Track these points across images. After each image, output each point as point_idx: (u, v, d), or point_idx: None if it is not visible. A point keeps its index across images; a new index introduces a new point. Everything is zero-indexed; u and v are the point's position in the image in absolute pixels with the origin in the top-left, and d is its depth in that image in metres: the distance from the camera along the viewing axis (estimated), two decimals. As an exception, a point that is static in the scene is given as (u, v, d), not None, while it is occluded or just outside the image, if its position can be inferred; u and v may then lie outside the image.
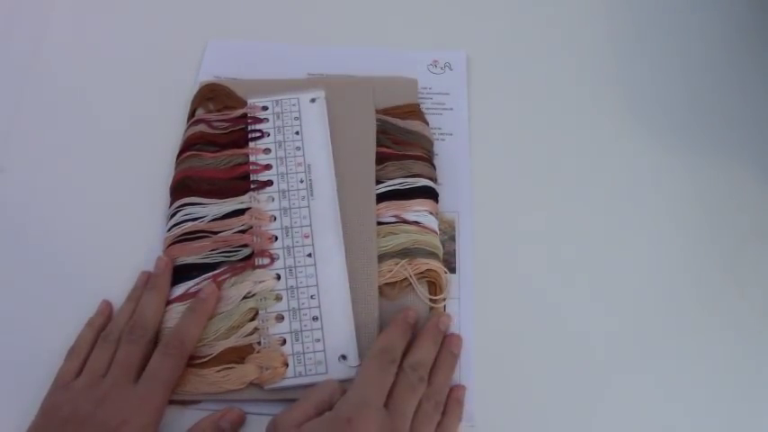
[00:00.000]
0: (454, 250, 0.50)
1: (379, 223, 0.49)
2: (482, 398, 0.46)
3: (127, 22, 0.61)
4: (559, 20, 0.61)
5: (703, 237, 0.52)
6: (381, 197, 0.50)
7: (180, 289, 0.47)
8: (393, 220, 0.49)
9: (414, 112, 0.54)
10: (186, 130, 0.53)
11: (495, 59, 0.59)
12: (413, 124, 0.53)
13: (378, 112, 0.53)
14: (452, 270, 0.49)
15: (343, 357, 0.45)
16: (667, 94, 0.58)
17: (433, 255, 0.48)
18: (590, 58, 0.59)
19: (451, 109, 0.56)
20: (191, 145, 0.52)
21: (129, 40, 0.59)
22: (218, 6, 0.61)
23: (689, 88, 0.58)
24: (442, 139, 0.54)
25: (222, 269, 0.47)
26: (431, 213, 0.50)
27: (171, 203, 0.50)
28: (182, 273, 0.47)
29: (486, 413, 0.45)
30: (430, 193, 0.50)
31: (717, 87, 0.58)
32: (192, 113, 0.54)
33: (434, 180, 0.51)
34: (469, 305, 0.49)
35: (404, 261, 0.47)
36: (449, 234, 0.51)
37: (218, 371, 0.45)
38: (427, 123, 0.54)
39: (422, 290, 0.47)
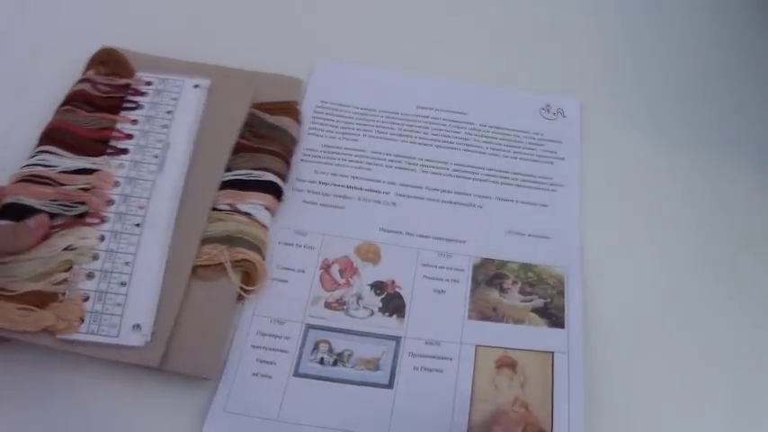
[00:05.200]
0: (563, 305, 0.49)
1: (215, 209, 0.51)
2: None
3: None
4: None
5: (704, 235, 0.53)
6: (225, 185, 0.52)
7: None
8: (227, 208, 0.51)
9: (287, 109, 0.56)
10: (73, 86, 0.56)
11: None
12: (281, 120, 0.55)
13: (253, 105, 0.55)
14: (561, 325, 0.49)
15: (138, 326, 0.46)
16: (670, 91, 0.59)
17: (254, 247, 0.49)
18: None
19: (563, 159, 0.56)
20: (71, 100, 0.55)
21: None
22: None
23: (691, 86, 0.59)
24: (553, 190, 0.55)
25: (57, 222, 0.49)
26: (267, 208, 0.51)
27: (35, 147, 0.53)
28: (17, 212, 0.49)
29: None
30: (272, 189, 0.52)
31: (717, 86, 0.59)
32: (84, 72, 0.57)
33: (284, 177, 0.53)
34: (577, 361, 0.47)
35: (223, 247, 0.49)
36: (557, 289, 0.50)
37: (19, 309, 0.46)
38: (299, 122, 0.56)
39: (234, 276, 0.48)
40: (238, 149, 0.53)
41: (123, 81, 0.56)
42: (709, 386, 0.48)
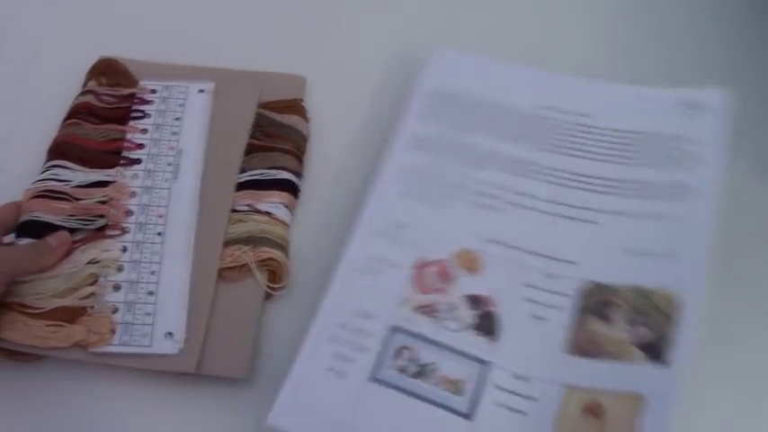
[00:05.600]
0: (673, 338, 0.42)
1: (234, 211, 0.51)
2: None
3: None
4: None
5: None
6: (242, 186, 0.52)
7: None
8: (246, 208, 0.51)
9: (293, 107, 0.56)
10: (75, 99, 0.56)
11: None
12: (289, 118, 0.55)
13: (259, 105, 0.55)
14: (664, 362, 0.42)
15: (170, 334, 0.46)
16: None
17: (278, 245, 0.49)
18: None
19: (703, 162, 0.49)
20: (76, 113, 0.54)
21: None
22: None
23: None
24: (687, 200, 0.47)
25: (77, 237, 0.49)
26: (286, 206, 0.51)
27: (44, 163, 0.53)
28: (35, 229, 0.49)
29: None
30: (289, 187, 0.52)
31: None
32: (85, 84, 0.57)
33: (299, 175, 0.53)
34: (674, 406, 0.40)
35: (247, 248, 0.49)
36: (671, 317, 0.43)
37: (48, 326, 0.46)
38: (307, 120, 0.56)
39: (260, 276, 0.48)
40: (250, 150, 0.53)
41: (127, 91, 0.56)
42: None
